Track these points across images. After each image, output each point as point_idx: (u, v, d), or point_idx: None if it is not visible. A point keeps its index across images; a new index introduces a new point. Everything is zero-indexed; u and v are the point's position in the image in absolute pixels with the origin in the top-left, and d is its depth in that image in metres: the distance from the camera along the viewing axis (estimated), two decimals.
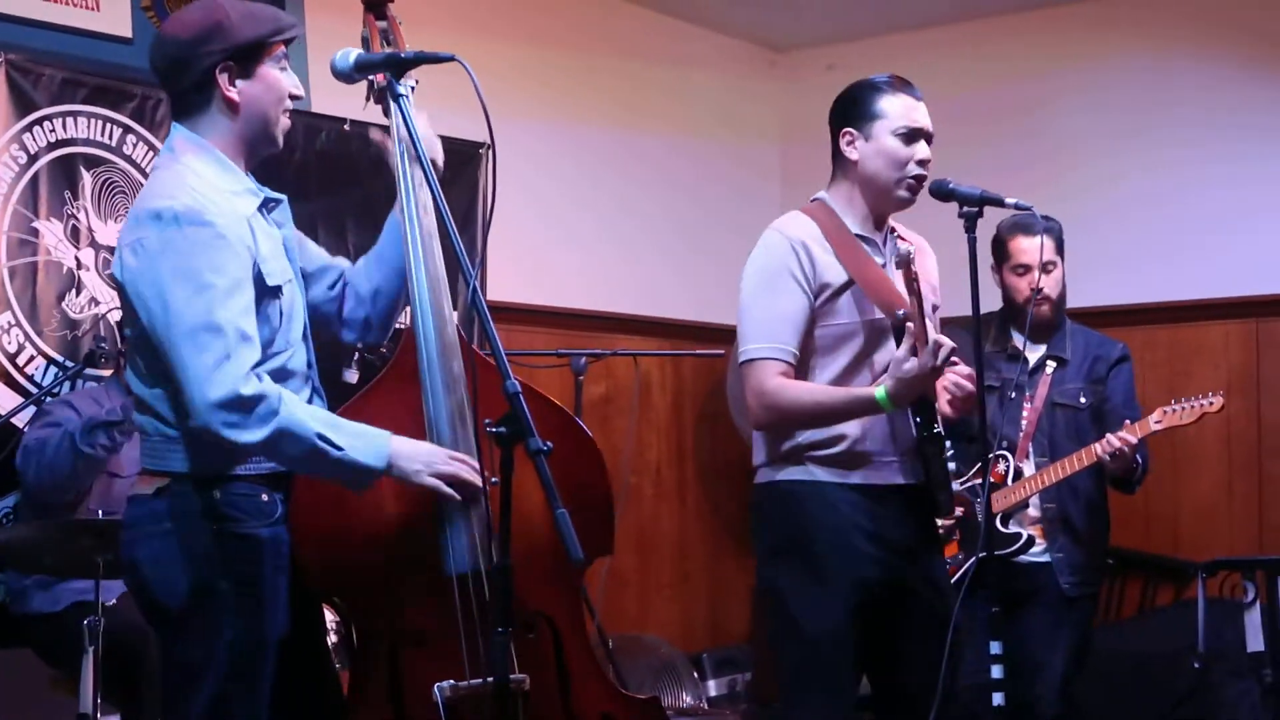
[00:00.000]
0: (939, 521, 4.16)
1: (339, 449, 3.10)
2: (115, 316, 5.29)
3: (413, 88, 3.41)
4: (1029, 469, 5.07)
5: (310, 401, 3.30)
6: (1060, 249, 5.14)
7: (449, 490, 3.20)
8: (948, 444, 3.91)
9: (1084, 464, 4.96)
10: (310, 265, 3.47)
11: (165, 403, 3.16)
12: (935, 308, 4.06)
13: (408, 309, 3.43)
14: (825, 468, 3.82)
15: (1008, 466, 5.04)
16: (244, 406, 3.02)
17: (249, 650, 3.16)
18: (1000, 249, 5.14)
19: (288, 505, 3.25)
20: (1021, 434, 5.09)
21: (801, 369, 3.82)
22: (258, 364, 3.07)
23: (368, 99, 3.47)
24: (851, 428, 3.81)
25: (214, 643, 3.14)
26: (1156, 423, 4.92)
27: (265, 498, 3.21)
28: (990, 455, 3.88)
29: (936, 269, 4.12)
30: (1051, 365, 5.14)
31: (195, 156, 3.20)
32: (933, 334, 3.67)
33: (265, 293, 3.16)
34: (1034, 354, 5.15)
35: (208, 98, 3.21)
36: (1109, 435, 4.90)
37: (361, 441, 3.14)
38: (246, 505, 3.18)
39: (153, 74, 3.28)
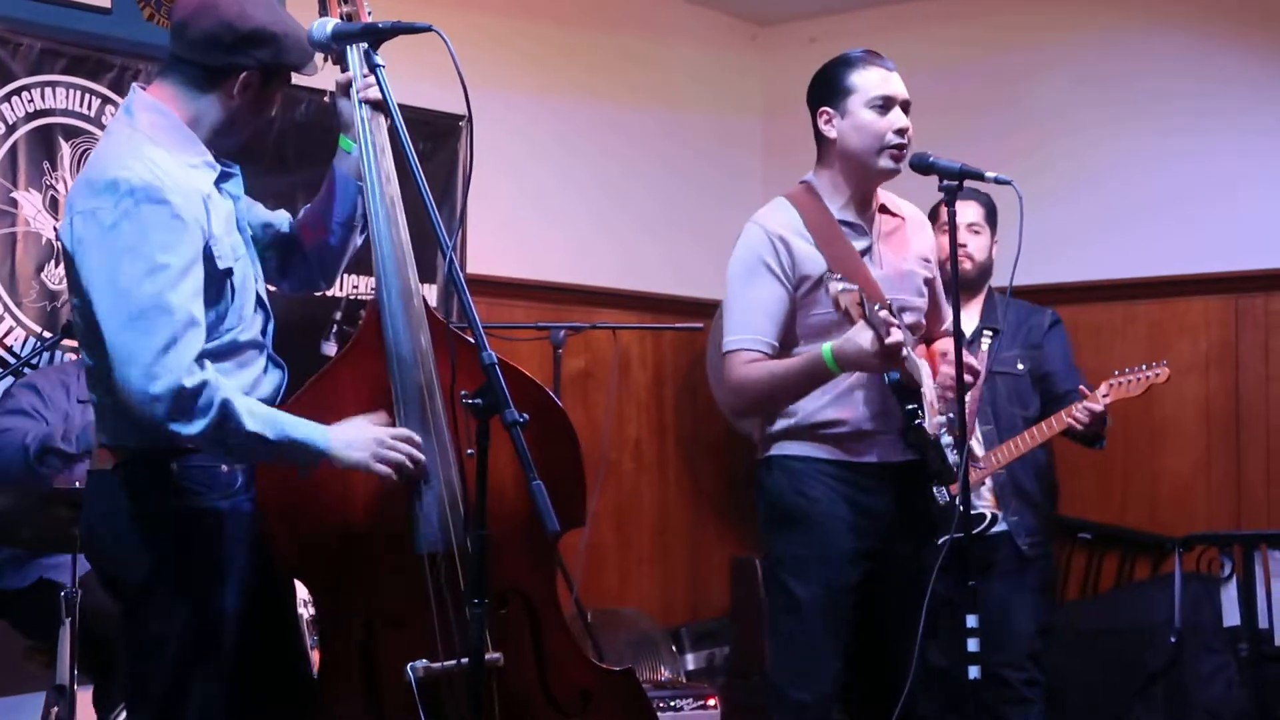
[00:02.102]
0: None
1: (274, 439, 3.06)
2: None
3: (370, 12, 3.41)
4: (978, 445, 5.13)
5: (266, 372, 3.28)
6: (991, 222, 5.23)
7: (387, 471, 3.15)
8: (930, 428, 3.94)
9: (1053, 431, 5.12)
10: (252, 223, 3.43)
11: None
12: (928, 280, 4.08)
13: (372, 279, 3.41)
14: (816, 445, 3.89)
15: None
16: (186, 398, 2.98)
17: (209, 625, 3.15)
18: (933, 216, 5.24)
19: (249, 475, 3.22)
20: (967, 411, 5.14)
21: (785, 352, 3.87)
22: (203, 344, 3.04)
23: (325, 59, 3.40)
24: (840, 411, 3.86)
25: (174, 618, 3.13)
26: (1104, 395, 5.05)
27: (224, 469, 3.18)
28: (963, 438, 3.91)
29: (931, 239, 4.16)
30: (987, 336, 5.21)
31: (156, 128, 3.15)
32: (890, 324, 3.65)
33: (216, 275, 3.12)
34: (969, 327, 5.22)
35: (214, 84, 3.18)
36: (1076, 405, 5.04)
37: (300, 431, 3.11)
38: (204, 478, 3.16)
39: (177, 24, 3.21)
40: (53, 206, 5.29)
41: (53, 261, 5.29)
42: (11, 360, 5.13)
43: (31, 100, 5.27)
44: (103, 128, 5.42)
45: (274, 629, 3.36)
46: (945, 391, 3.97)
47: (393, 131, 3.28)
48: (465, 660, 3.15)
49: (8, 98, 5.21)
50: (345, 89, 3.39)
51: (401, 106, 3.23)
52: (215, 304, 3.11)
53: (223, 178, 3.24)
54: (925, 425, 3.86)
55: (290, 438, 3.08)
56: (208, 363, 3.05)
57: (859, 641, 3.95)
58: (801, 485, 3.89)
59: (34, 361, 5.08)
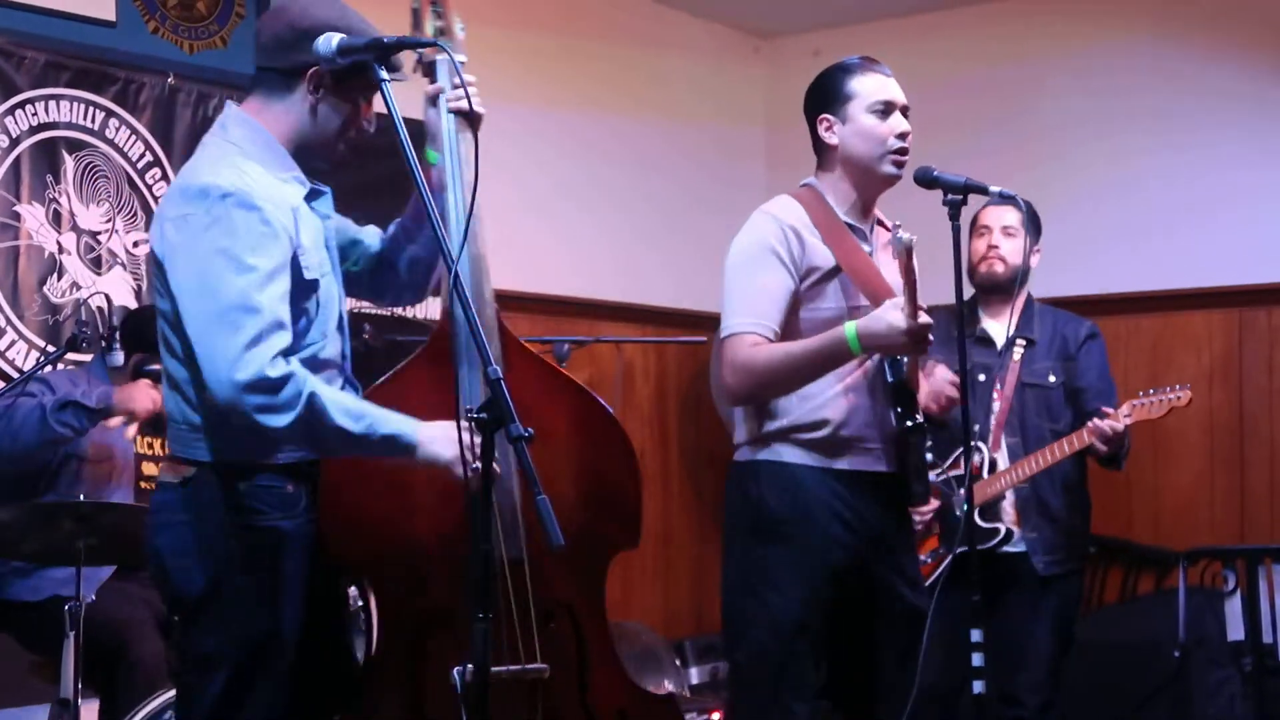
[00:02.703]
0: (915, 514, 4.15)
1: (362, 432, 3.09)
2: (96, 301, 5.28)
3: (462, 28, 3.57)
4: (1002, 458, 5.07)
5: (343, 391, 3.30)
6: (1031, 228, 5.14)
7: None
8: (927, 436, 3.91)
9: (1071, 450, 4.98)
10: (341, 240, 3.47)
11: (195, 387, 3.16)
12: None
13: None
14: (805, 450, 3.80)
15: (982, 458, 5.03)
16: (271, 388, 3.01)
17: (265, 642, 3.17)
18: (973, 223, 5.18)
19: (313, 496, 3.25)
20: (994, 422, 5.10)
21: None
22: (288, 351, 3.07)
23: (415, 68, 3.48)
24: (834, 412, 3.78)
25: (231, 634, 3.15)
26: (1126, 416, 4.92)
27: (290, 489, 3.21)
28: (967, 447, 3.87)
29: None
30: (1020, 346, 5.16)
31: (246, 138, 3.20)
32: (919, 306, 3.60)
33: (302, 285, 3.16)
34: (1001, 334, 5.16)
35: (290, 87, 3.22)
36: (1096, 422, 4.91)
37: (390, 425, 3.13)
38: (270, 497, 3.19)
39: (256, 37, 3.28)
40: (55, 220, 5.29)
41: (55, 275, 5.29)
42: (14, 373, 5.12)
43: (35, 113, 5.27)
44: (106, 141, 5.43)
45: (326, 637, 3.38)
46: (929, 403, 3.95)
47: (396, 134, 3.29)
48: (511, 667, 3.27)
49: (11, 111, 5.21)
50: (434, 99, 3.45)
51: (406, 119, 3.24)
52: (301, 316, 3.17)
53: (312, 195, 3.27)
54: (921, 421, 3.82)
55: (379, 432, 3.11)
56: (294, 359, 3.09)
57: (843, 659, 3.90)
58: (790, 494, 3.79)
59: (37, 375, 5.07)
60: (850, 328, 3.62)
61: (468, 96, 3.35)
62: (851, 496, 3.80)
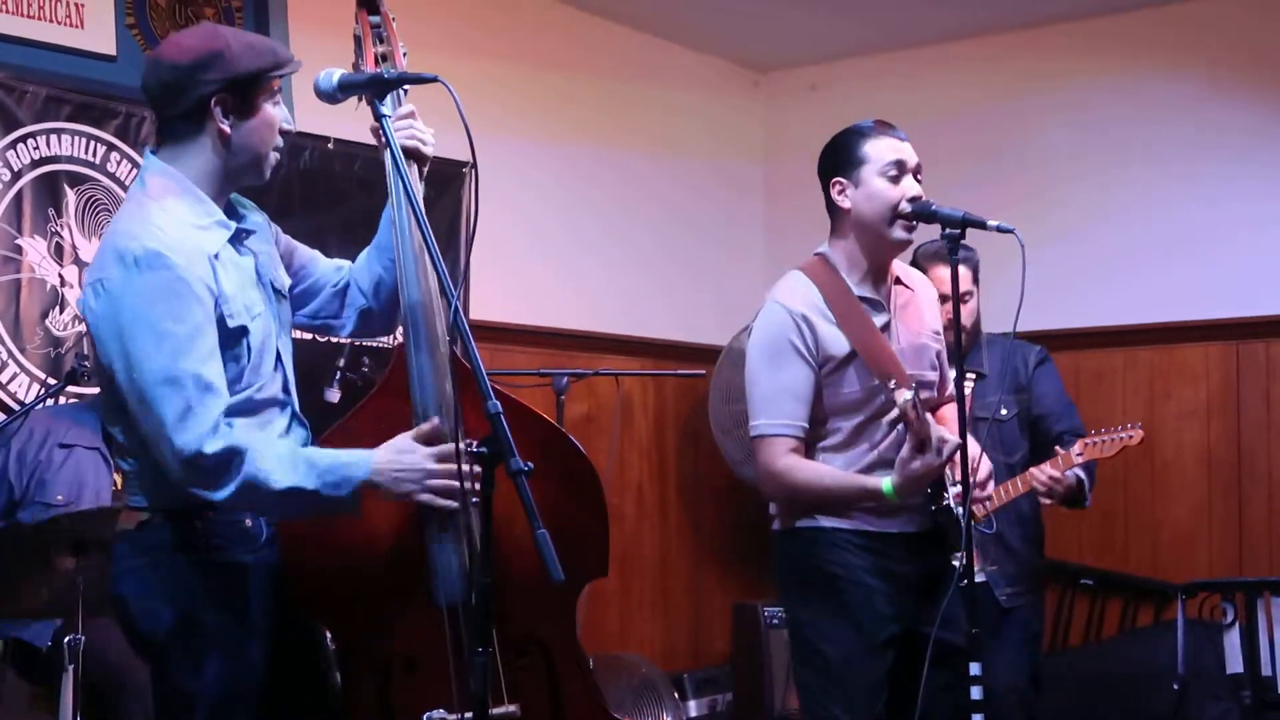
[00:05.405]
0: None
1: (310, 492, 3.06)
2: None
3: (404, 92, 3.45)
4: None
5: (289, 429, 3.28)
6: (975, 278, 5.16)
7: (444, 502, 3.15)
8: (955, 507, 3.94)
9: (1019, 492, 5.01)
10: (308, 277, 3.47)
11: (130, 438, 3.14)
12: (938, 353, 4.10)
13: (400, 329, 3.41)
14: (841, 517, 3.90)
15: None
16: (208, 464, 3.00)
17: (237, 678, 3.15)
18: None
19: (275, 527, 3.22)
20: None
21: (812, 429, 3.89)
22: (225, 409, 3.04)
23: (360, 100, 3.35)
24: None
25: (202, 673, 3.12)
26: (1079, 455, 4.96)
27: (249, 523, 3.18)
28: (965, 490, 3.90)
29: (937, 308, 4.14)
30: (970, 381, 5.17)
31: (165, 191, 3.16)
32: (936, 431, 3.71)
33: (229, 334, 3.12)
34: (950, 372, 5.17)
35: (198, 127, 3.17)
36: (1043, 469, 4.95)
37: (334, 475, 3.09)
38: (229, 533, 3.16)
39: (142, 95, 3.24)
40: (57, 253, 5.31)
41: (57, 308, 5.30)
42: (16, 406, 5.13)
43: (37, 147, 5.28)
44: (108, 174, 5.45)
45: (304, 676, 3.36)
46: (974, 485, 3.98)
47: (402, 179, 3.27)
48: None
49: (13, 145, 5.23)
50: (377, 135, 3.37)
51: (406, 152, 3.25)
52: (231, 363, 3.12)
53: (241, 235, 3.23)
54: (950, 504, 3.86)
55: (328, 482, 3.07)
56: (236, 422, 3.06)
57: (895, 704, 3.93)
58: (827, 551, 3.89)
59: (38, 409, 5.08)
60: (887, 484, 3.77)
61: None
62: (882, 551, 3.89)
